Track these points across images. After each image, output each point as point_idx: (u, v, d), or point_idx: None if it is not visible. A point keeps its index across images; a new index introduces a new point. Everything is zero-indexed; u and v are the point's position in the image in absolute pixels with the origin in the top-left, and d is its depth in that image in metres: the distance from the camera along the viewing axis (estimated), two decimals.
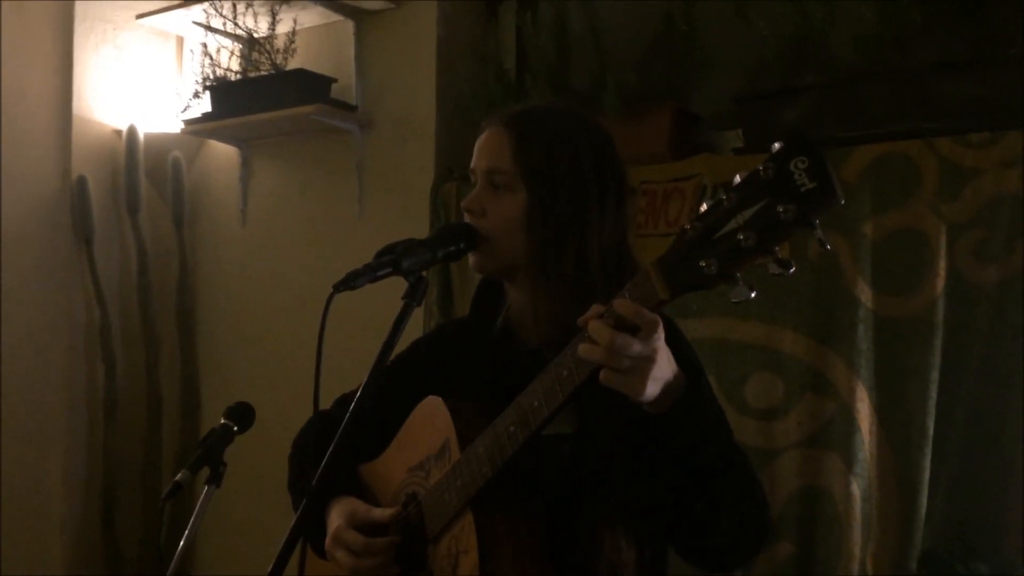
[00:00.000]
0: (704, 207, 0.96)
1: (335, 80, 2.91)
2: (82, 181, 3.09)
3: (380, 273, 1.20)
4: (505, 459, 1.18)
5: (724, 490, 1.14)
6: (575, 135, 1.31)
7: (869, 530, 2.05)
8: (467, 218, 1.32)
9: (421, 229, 2.70)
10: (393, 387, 1.43)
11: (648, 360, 1.03)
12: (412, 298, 1.22)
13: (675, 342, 1.14)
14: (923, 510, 2.01)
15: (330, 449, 1.19)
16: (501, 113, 1.35)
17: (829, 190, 0.89)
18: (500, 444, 1.18)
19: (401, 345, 1.51)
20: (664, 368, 1.06)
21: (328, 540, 1.37)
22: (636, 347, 1.01)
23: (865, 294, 2.11)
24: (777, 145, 0.92)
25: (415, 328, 2.69)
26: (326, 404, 1.47)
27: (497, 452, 1.19)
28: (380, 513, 1.34)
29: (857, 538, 2.04)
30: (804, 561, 2.10)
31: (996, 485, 1.99)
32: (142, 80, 3.25)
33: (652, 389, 1.04)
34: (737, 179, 0.95)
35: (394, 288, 1.25)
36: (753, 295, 0.95)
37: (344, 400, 1.52)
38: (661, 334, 1.03)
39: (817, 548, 2.08)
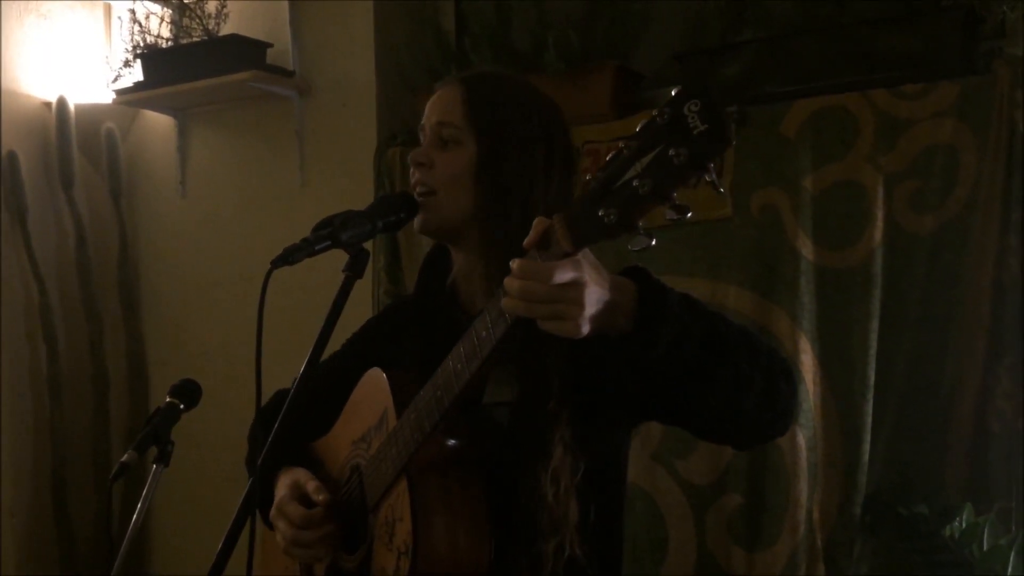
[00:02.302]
0: (608, 157, 0.95)
1: (270, 45, 2.85)
2: (12, 157, 2.99)
3: (319, 247, 1.19)
4: (433, 424, 1.18)
5: (732, 363, 1.08)
6: (527, 100, 1.31)
7: (815, 478, 2.10)
8: (413, 171, 1.30)
9: (365, 195, 2.67)
10: (346, 366, 1.43)
11: (569, 301, 0.99)
12: (353, 271, 1.21)
13: None
14: (866, 456, 2.07)
15: (275, 425, 1.18)
16: (454, 75, 1.35)
17: (719, 131, 0.88)
18: (428, 410, 1.18)
19: (349, 318, 1.51)
20: (595, 296, 1.01)
21: (272, 511, 1.37)
22: (542, 289, 0.98)
23: (806, 247, 2.14)
24: (675, 91, 0.91)
25: (364, 298, 2.70)
26: (271, 381, 1.46)
27: (425, 418, 1.18)
28: (313, 491, 1.33)
29: (803, 486, 2.09)
30: (753, 511, 2.15)
31: (936, 429, 2.05)
32: (70, 49, 3.14)
33: (588, 324, 1.01)
34: (638, 127, 0.94)
35: (342, 258, 1.24)
36: (653, 242, 0.94)
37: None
38: (568, 272, 0.99)
39: (766, 498, 2.13)
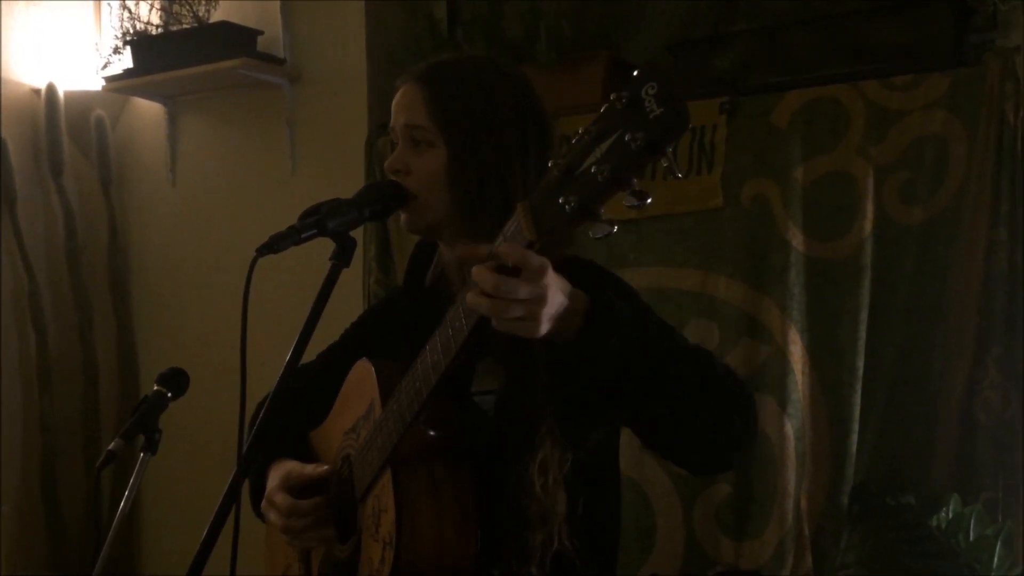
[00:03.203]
0: (573, 142, 0.93)
1: (261, 32, 2.83)
2: (1, 144, 2.97)
3: (305, 235, 1.18)
4: (413, 415, 1.17)
5: (680, 387, 1.07)
6: (491, 84, 1.28)
7: (803, 468, 2.11)
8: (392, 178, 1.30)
9: (356, 184, 2.63)
10: (342, 357, 1.44)
11: (539, 300, 0.98)
12: (340, 259, 1.20)
13: (603, 287, 1.11)
14: (854, 447, 2.07)
15: (260, 416, 1.18)
16: (414, 68, 1.32)
17: (675, 115, 0.86)
18: (409, 401, 1.18)
19: (340, 308, 1.50)
20: (557, 301, 1.00)
21: (263, 502, 1.37)
22: (523, 289, 0.96)
23: (797, 238, 2.14)
24: (634, 72, 0.89)
25: (355, 288, 2.69)
26: (260, 369, 1.46)
27: (406, 408, 1.18)
28: (313, 469, 1.34)
29: (791, 476, 2.10)
30: (741, 501, 2.16)
31: (923, 420, 2.06)
32: (59, 36, 3.12)
33: (547, 326, 1.00)
34: (600, 112, 0.91)
35: (333, 247, 1.23)
36: (615, 229, 0.92)
37: (304, 370, 1.51)
38: (549, 273, 0.98)
39: (754, 488, 2.14)
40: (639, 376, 1.06)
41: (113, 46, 2.98)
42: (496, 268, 0.97)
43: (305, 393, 1.42)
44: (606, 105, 0.90)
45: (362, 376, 1.34)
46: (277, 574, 1.50)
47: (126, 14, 2.93)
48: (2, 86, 3.00)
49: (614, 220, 0.92)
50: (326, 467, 1.34)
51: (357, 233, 1.24)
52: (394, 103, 1.31)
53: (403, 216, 1.30)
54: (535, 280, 0.97)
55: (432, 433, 1.22)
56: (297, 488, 1.34)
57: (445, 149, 1.26)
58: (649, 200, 0.89)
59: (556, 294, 0.99)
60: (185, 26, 2.87)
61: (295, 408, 1.39)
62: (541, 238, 0.96)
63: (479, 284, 0.98)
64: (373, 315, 1.54)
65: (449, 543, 1.19)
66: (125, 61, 2.96)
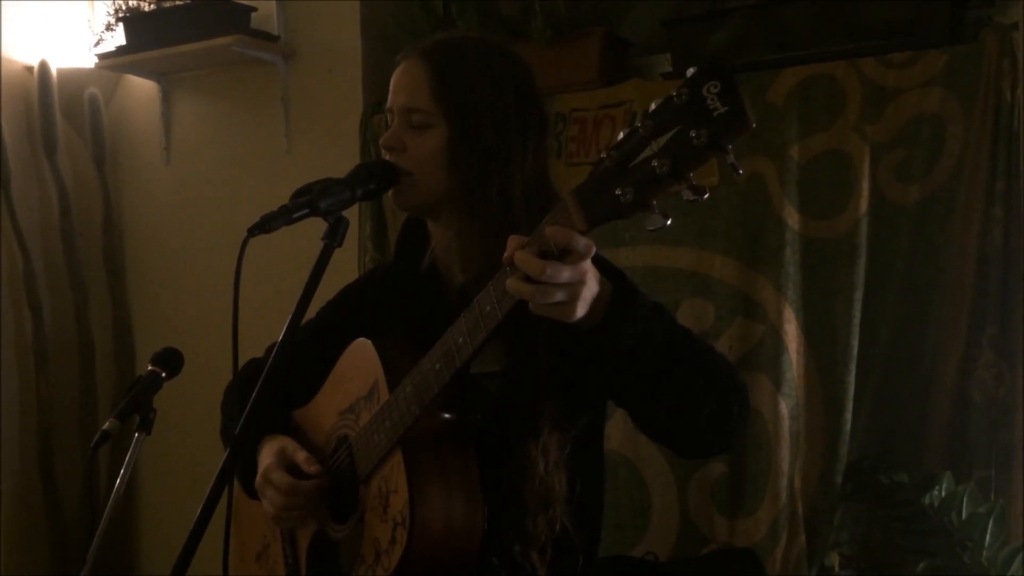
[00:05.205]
0: (621, 135, 0.95)
1: (255, 9, 2.81)
2: None
3: (296, 215, 1.18)
4: (432, 397, 1.18)
5: (689, 377, 1.11)
6: (494, 67, 1.28)
7: (797, 446, 2.12)
8: (387, 156, 1.29)
9: (351, 162, 2.61)
10: (324, 334, 1.43)
11: (579, 284, 1.01)
12: (332, 239, 1.20)
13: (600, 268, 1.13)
14: (848, 425, 2.08)
15: (254, 393, 1.17)
16: (417, 45, 1.31)
17: (740, 114, 0.89)
18: (427, 383, 1.18)
19: (335, 287, 1.50)
20: (593, 286, 1.04)
21: (258, 478, 1.37)
22: (566, 273, 0.99)
23: (792, 217, 2.14)
24: (692, 70, 0.91)
25: (350, 267, 2.69)
26: (254, 349, 1.45)
27: (424, 391, 1.18)
28: (304, 461, 1.34)
29: (785, 454, 2.11)
30: (736, 479, 2.17)
31: (917, 399, 2.06)
32: (52, 13, 3.09)
33: (583, 310, 1.03)
34: (653, 106, 0.93)
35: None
36: (668, 223, 0.94)
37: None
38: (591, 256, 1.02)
39: (748, 466, 2.14)
40: (653, 363, 1.09)
41: (106, 23, 2.96)
42: (538, 254, 1.00)
43: (288, 371, 1.41)
44: (661, 100, 0.92)
45: (362, 356, 1.33)
46: (252, 552, 1.50)
47: None
48: None
49: (669, 213, 0.95)
50: (316, 467, 1.33)
51: (352, 212, 1.24)
52: (394, 79, 1.31)
53: (394, 193, 1.29)
54: (578, 263, 0.99)
55: (446, 416, 1.22)
56: (293, 468, 1.34)
57: (446, 129, 1.25)
58: (707, 195, 0.92)
59: (593, 281, 1.03)
60: (178, 3, 2.85)
61: (279, 385, 1.39)
62: (591, 228, 0.98)
63: (523, 269, 1.00)
64: (355, 293, 1.52)
65: (459, 522, 1.20)
66: (118, 38, 2.94)
